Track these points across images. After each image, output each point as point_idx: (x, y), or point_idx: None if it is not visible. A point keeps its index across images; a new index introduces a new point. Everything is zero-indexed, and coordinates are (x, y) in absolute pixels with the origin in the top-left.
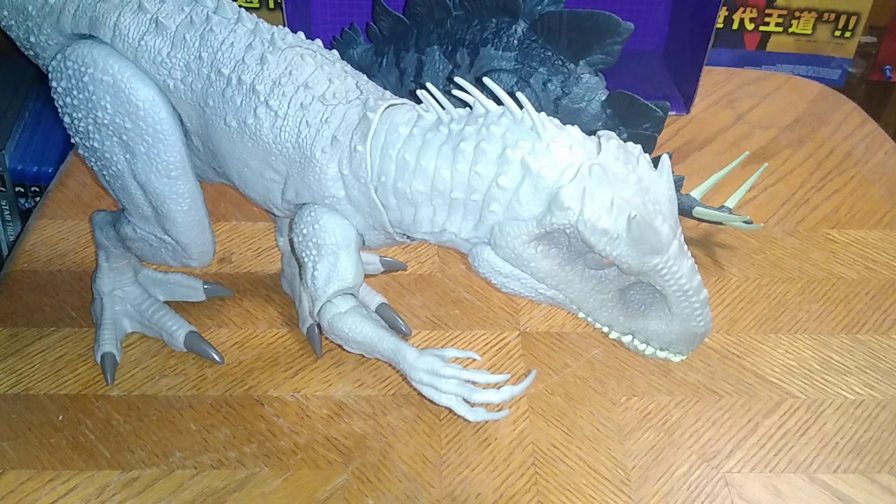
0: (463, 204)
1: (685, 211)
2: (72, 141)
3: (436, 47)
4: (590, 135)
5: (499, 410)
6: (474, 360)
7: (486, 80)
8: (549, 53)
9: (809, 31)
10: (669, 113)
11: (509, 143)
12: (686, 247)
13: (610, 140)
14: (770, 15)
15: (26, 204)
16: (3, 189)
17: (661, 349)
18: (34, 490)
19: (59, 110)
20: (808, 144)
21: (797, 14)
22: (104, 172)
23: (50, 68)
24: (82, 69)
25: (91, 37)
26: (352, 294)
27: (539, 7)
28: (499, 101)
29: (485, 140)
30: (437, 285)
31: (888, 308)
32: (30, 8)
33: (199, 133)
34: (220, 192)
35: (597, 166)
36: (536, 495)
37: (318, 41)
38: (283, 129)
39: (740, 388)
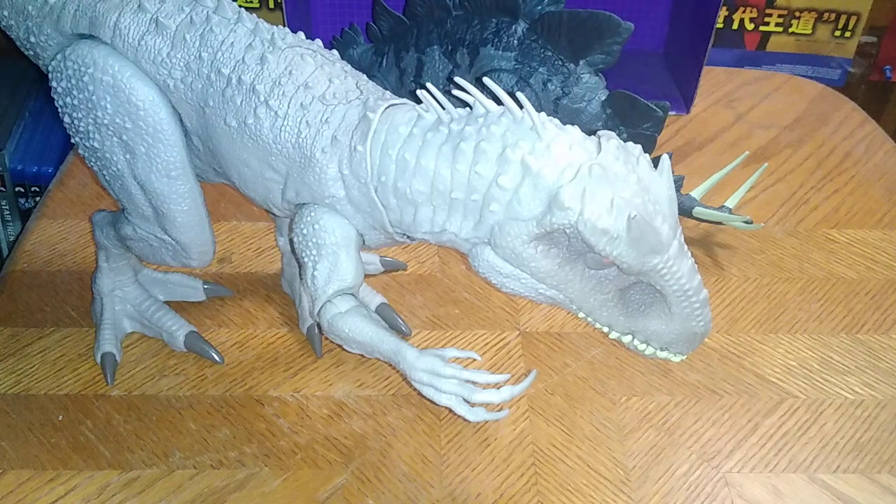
0: (463, 204)
1: (685, 211)
2: (72, 141)
3: (436, 47)
4: (590, 135)
5: (499, 410)
6: (474, 360)
7: (486, 80)
8: (549, 53)
9: (809, 31)
10: (669, 113)
11: (509, 143)
12: (686, 247)
13: (610, 140)
14: (770, 15)
15: (26, 204)
16: (3, 189)
17: (661, 349)
18: (34, 490)
19: (59, 110)
20: (808, 144)
21: (797, 14)
22: (104, 172)
23: (50, 68)
24: (82, 69)
25: (91, 37)
26: (352, 294)
27: (539, 7)
28: (499, 101)
29: (485, 140)
30: (437, 285)
31: (888, 308)
32: (30, 8)
33: (199, 133)
34: (220, 192)
35: (597, 166)
36: (536, 495)
37: (318, 41)
38: (283, 128)
39: (740, 388)
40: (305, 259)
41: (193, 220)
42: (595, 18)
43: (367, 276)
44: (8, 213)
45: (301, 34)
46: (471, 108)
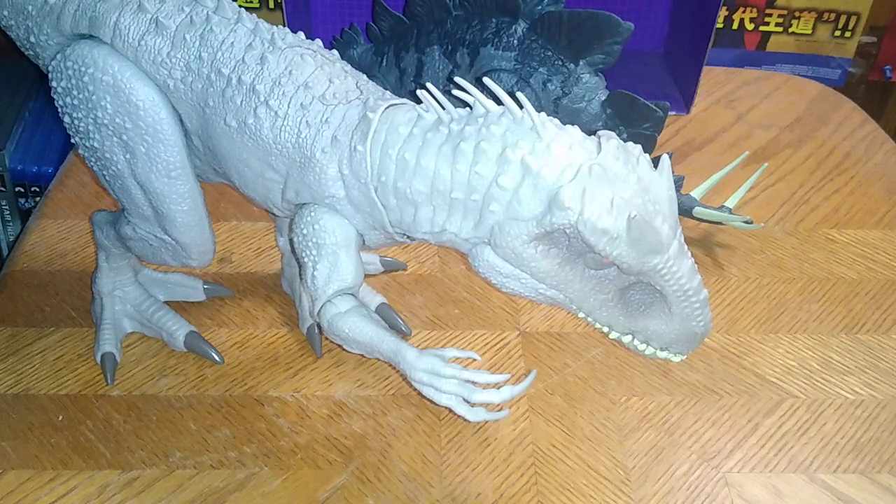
0: (463, 204)
1: (685, 211)
2: (72, 141)
3: (436, 47)
4: (590, 135)
5: (499, 410)
6: (474, 360)
7: (486, 80)
8: (549, 53)
9: (809, 31)
10: (669, 113)
11: (509, 143)
12: (686, 247)
13: (610, 140)
14: (770, 15)
15: (26, 204)
16: (3, 189)
17: (661, 349)
18: (34, 490)
19: (59, 110)
20: (808, 144)
21: (797, 14)
22: (104, 172)
23: (50, 68)
24: (82, 69)
25: (91, 37)
26: (352, 294)
27: (539, 7)
28: (499, 101)
29: (485, 140)
30: (437, 285)
31: (888, 308)
32: (30, 8)
33: (199, 133)
34: (220, 192)
35: (597, 166)
36: (536, 495)
37: (318, 41)
38: (283, 129)
39: (740, 388)
40: (305, 259)
41: (193, 220)
42: (595, 18)
43: (367, 276)
44: (8, 213)
45: (301, 34)
46: (471, 108)
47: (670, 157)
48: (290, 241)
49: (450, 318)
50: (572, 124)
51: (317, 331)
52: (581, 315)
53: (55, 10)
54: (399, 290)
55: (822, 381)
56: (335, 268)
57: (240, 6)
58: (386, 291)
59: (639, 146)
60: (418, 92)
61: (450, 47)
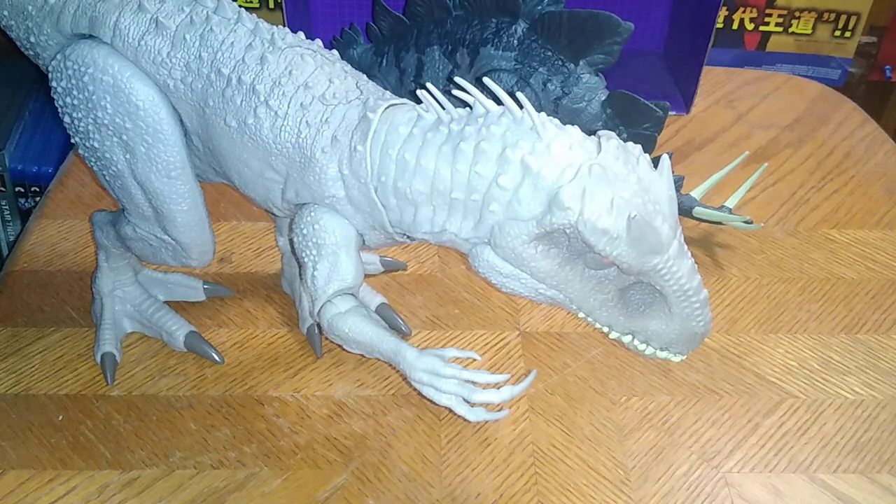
0: (463, 204)
1: (685, 211)
2: (72, 141)
3: (436, 47)
4: (590, 135)
5: (499, 410)
6: (474, 360)
7: (486, 80)
8: (549, 53)
9: (809, 31)
10: (669, 113)
11: (509, 143)
12: (686, 247)
13: (610, 140)
14: (770, 15)
15: (26, 204)
16: (3, 189)
17: (661, 349)
18: (34, 490)
19: (59, 110)
20: (808, 144)
21: (797, 14)
22: (104, 172)
23: (50, 68)
24: (82, 69)
25: (91, 37)
26: (352, 294)
27: (539, 7)
28: (499, 101)
29: (485, 140)
30: (437, 285)
31: (888, 308)
32: (30, 8)
33: (199, 133)
34: (220, 192)
35: (597, 166)
36: (536, 495)
37: (318, 41)
38: (283, 129)
39: (740, 388)
40: (305, 259)
41: (193, 220)
42: (595, 18)
43: (367, 276)
44: (8, 213)
45: (301, 34)
46: (471, 108)
47: (670, 157)
48: (290, 241)
49: (450, 318)
50: (572, 124)
51: (317, 331)
52: (581, 315)
53: (55, 10)
54: (399, 290)
55: (822, 381)
56: (335, 268)
57: (240, 6)
58: (386, 291)
59: (639, 146)
60: (418, 92)
61: (450, 47)
